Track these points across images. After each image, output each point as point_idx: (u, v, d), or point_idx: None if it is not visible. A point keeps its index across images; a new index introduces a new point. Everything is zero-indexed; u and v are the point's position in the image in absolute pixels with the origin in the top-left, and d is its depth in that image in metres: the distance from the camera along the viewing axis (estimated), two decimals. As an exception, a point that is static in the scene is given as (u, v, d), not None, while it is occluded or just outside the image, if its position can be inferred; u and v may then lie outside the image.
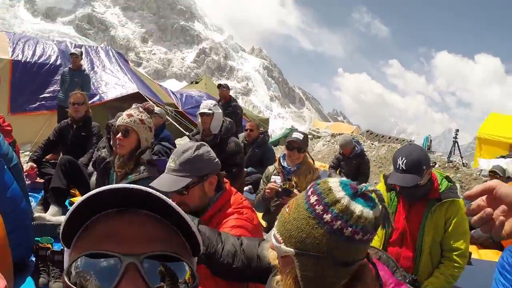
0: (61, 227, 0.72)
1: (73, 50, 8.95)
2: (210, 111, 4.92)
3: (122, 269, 0.62)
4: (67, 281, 0.65)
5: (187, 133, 8.96)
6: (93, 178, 4.33)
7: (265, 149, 6.75)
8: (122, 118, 2.98)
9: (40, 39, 12.53)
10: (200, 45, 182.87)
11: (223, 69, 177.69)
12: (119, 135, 2.95)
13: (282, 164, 4.10)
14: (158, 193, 0.69)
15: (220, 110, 5.12)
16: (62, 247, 2.33)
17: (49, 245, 3.21)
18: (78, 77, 8.37)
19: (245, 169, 6.15)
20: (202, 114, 4.98)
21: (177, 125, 10.80)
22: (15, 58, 10.50)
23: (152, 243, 0.67)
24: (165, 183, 2.13)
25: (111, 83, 11.83)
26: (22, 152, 9.35)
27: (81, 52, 8.88)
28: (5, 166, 3.17)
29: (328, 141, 16.78)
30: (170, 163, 2.20)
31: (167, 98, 13.29)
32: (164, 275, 0.65)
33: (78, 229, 0.72)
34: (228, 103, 9.58)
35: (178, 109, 12.92)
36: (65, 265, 0.71)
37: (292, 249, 1.25)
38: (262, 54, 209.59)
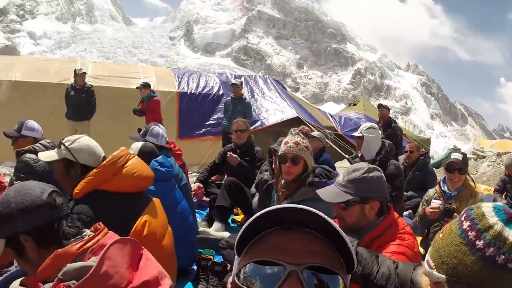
0: (236, 238, 0.82)
1: (234, 81, 9.52)
2: (359, 134, 4.80)
3: (284, 275, 0.71)
4: (237, 281, 0.76)
5: (346, 156, 8.91)
6: (255, 199, 4.55)
7: (426, 172, 6.35)
8: (290, 147, 3.04)
9: (202, 72, 13.81)
10: (354, 66, 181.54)
11: (380, 88, 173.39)
12: (288, 163, 3.02)
13: (443, 188, 3.93)
14: (321, 213, 0.76)
15: (375, 134, 4.90)
16: (222, 260, 2.52)
17: (211, 257, 3.47)
18: (240, 105, 8.84)
19: (405, 193, 5.88)
20: (356, 137, 4.94)
21: (337, 148, 10.80)
22: (181, 90, 11.72)
23: (312, 256, 0.75)
24: (329, 194, 2.23)
25: (271, 109, 12.36)
26: (190, 173, 10.29)
27: (241, 82, 9.44)
28: (176, 186, 3.52)
29: (493, 161, 15.10)
30: (340, 177, 2.28)
31: (326, 121, 13.41)
32: (319, 286, 0.73)
33: (249, 241, 0.82)
34: (387, 124, 9.36)
35: (337, 131, 12.93)
36: (234, 270, 0.82)
37: (443, 276, 1.23)
38: (419, 70, 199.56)
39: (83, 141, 2.42)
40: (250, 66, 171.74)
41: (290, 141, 3.06)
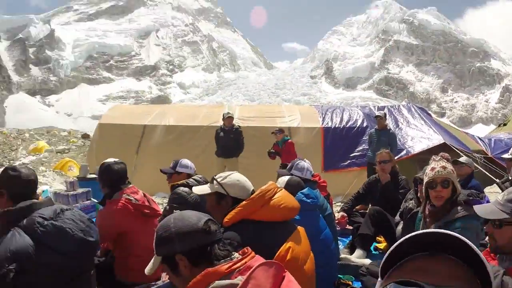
0: (382, 261, 0.88)
1: (377, 113, 9.49)
2: (510, 156, 4.56)
3: None
4: None
5: (497, 180, 8.29)
6: (399, 227, 4.50)
7: None
8: (438, 171, 3.07)
9: (345, 107, 13.83)
10: (502, 83, 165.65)
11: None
12: (438, 187, 3.05)
13: None
14: (463, 238, 0.79)
15: None
16: (361, 286, 2.67)
17: (350, 282, 3.57)
18: (385, 136, 8.81)
19: None
20: (508, 159, 4.70)
21: (486, 173, 10.07)
22: (325, 126, 11.98)
23: (453, 280, 0.77)
24: (485, 210, 2.22)
25: (417, 137, 11.96)
26: (335, 203, 10.39)
27: (385, 114, 9.35)
28: (320, 215, 3.69)
29: None
30: (499, 197, 2.24)
31: (474, 145, 12.52)
32: None
33: (393, 265, 0.87)
34: None
35: (487, 155, 12.06)
36: None
37: None
38: None
39: (234, 176, 2.65)
40: (393, 96, 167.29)
41: (436, 166, 3.08)
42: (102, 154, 11.42)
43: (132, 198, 3.51)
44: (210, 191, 2.66)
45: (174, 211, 4.06)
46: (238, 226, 2.46)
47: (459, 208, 2.96)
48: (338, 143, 11.66)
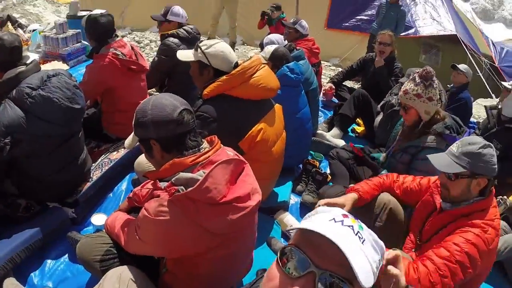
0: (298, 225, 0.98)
1: None
2: (510, 86, 4.32)
3: (306, 271, 0.88)
4: (284, 247, 0.95)
5: (486, 104, 8.23)
6: (378, 118, 4.52)
7: None
8: (400, 96, 3.03)
9: None
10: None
11: None
12: (401, 109, 3.06)
13: None
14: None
15: None
16: (325, 171, 3.36)
17: (316, 163, 3.66)
18: (394, 11, 8.34)
19: None
20: (504, 88, 4.50)
21: (486, 84, 9.77)
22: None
23: (340, 267, 0.87)
24: (440, 162, 2.21)
25: (429, 18, 11.25)
26: (330, 66, 10.33)
27: None
28: (302, 91, 3.65)
29: None
30: (453, 147, 2.22)
31: (484, 47, 11.87)
32: None
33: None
34: None
35: (494, 63, 11.35)
36: (290, 240, 1.00)
37: None
38: None
39: (218, 47, 2.59)
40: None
41: (403, 88, 3.03)
42: None
43: (119, 53, 3.45)
44: (193, 59, 2.64)
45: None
46: (215, 100, 2.53)
47: (429, 137, 2.90)
48: (347, 1, 11.00)
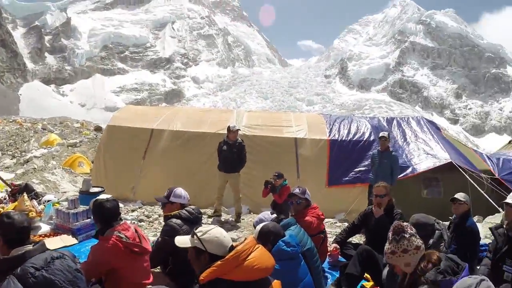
0: None
1: (381, 133, 9.33)
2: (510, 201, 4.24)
3: None
4: None
5: (491, 225, 8.07)
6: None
7: None
8: (388, 258, 3.07)
9: (354, 117, 13.73)
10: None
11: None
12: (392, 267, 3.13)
13: None
14: None
15: None
16: None
17: None
18: (387, 158, 8.69)
19: None
20: (506, 205, 4.37)
21: (490, 200, 9.80)
22: (332, 138, 11.93)
23: None
24: None
25: (423, 153, 11.90)
26: (334, 222, 10.33)
27: (388, 134, 9.17)
28: (301, 262, 3.71)
29: None
30: None
31: (482, 164, 12.29)
32: None
33: None
34: None
35: (494, 176, 11.70)
36: None
37: None
38: None
39: (213, 232, 2.79)
40: (407, 100, 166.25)
41: (386, 251, 3.07)
42: (110, 157, 11.68)
43: (123, 236, 3.64)
44: (189, 245, 2.84)
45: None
46: (212, 285, 2.61)
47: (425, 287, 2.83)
48: (344, 157, 11.62)
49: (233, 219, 9.51)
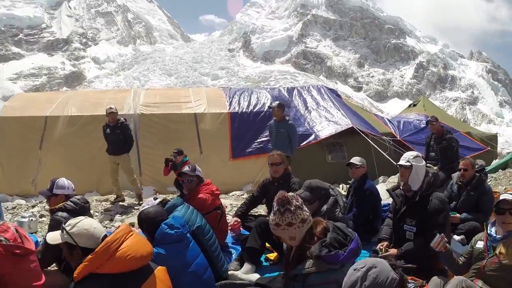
0: None
1: (272, 104, 9.14)
2: (407, 164, 4.38)
3: None
4: None
5: (388, 185, 8.42)
6: None
7: (482, 192, 5.74)
8: (273, 230, 2.90)
9: (254, 89, 13.78)
10: (416, 59, 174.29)
11: (444, 80, 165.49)
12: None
13: (489, 230, 3.53)
14: None
15: (423, 162, 4.49)
16: None
17: None
18: (284, 128, 8.58)
19: (458, 215, 5.60)
20: (400, 166, 4.47)
21: (391, 160, 10.24)
22: (232, 110, 11.92)
23: None
24: None
25: (325, 120, 12.19)
26: (241, 195, 10.43)
27: (280, 104, 8.88)
28: (190, 243, 3.54)
29: None
30: None
31: (383, 128, 13.10)
32: None
33: None
34: (441, 137, 8.97)
35: (396, 137, 12.54)
36: None
37: None
38: (483, 57, 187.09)
39: (82, 225, 2.61)
40: (311, 70, 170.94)
41: (271, 222, 2.91)
42: (5, 152, 10.88)
43: (2, 238, 3.28)
44: (60, 241, 2.65)
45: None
46: (86, 281, 2.45)
47: (308, 262, 2.73)
48: (245, 129, 11.66)
49: (137, 202, 9.23)
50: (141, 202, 9.00)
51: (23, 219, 5.68)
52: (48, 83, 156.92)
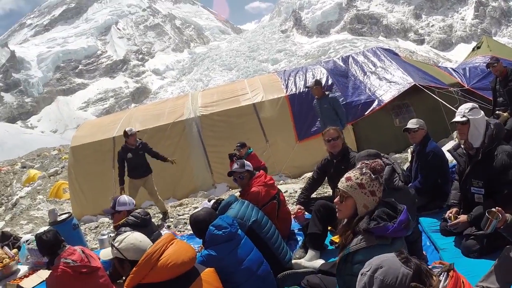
0: None
1: (308, 85, 8.89)
2: (464, 119, 3.96)
3: None
4: None
5: (452, 143, 7.32)
6: None
7: None
8: (341, 182, 2.71)
9: (308, 67, 13.50)
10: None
11: (508, 13, 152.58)
12: (337, 199, 2.73)
13: None
14: None
15: (481, 114, 4.00)
16: None
17: None
18: (326, 103, 8.35)
19: None
20: (456, 123, 4.07)
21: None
22: (290, 93, 11.83)
23: None
24: None
25: (386, 83, 11.71)
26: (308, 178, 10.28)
27: (316, 81, 8.66)
28: (242, 240, 3.55)
29: None
30: None
31: (449, 78, 12.17)
32: None
33: None
34: (506, 78, 7.69)
35: (464, 86, 11.58)
36: None
37: None
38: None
39: (128, 240, 2.84)
40: (368, 33, 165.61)
41: (347, 174, 2.73)
42: (82, 178, 11.59)
43: (70, 261, 3.67)
44: (111, 257, 2.92)
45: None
46: None
47: (355, 239, 2.60)
48: (306, 108, 11.40)
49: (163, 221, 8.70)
50: (166, 217, 8.66)
51: (103, 237, 6.09)
52: (116, 104, 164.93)
